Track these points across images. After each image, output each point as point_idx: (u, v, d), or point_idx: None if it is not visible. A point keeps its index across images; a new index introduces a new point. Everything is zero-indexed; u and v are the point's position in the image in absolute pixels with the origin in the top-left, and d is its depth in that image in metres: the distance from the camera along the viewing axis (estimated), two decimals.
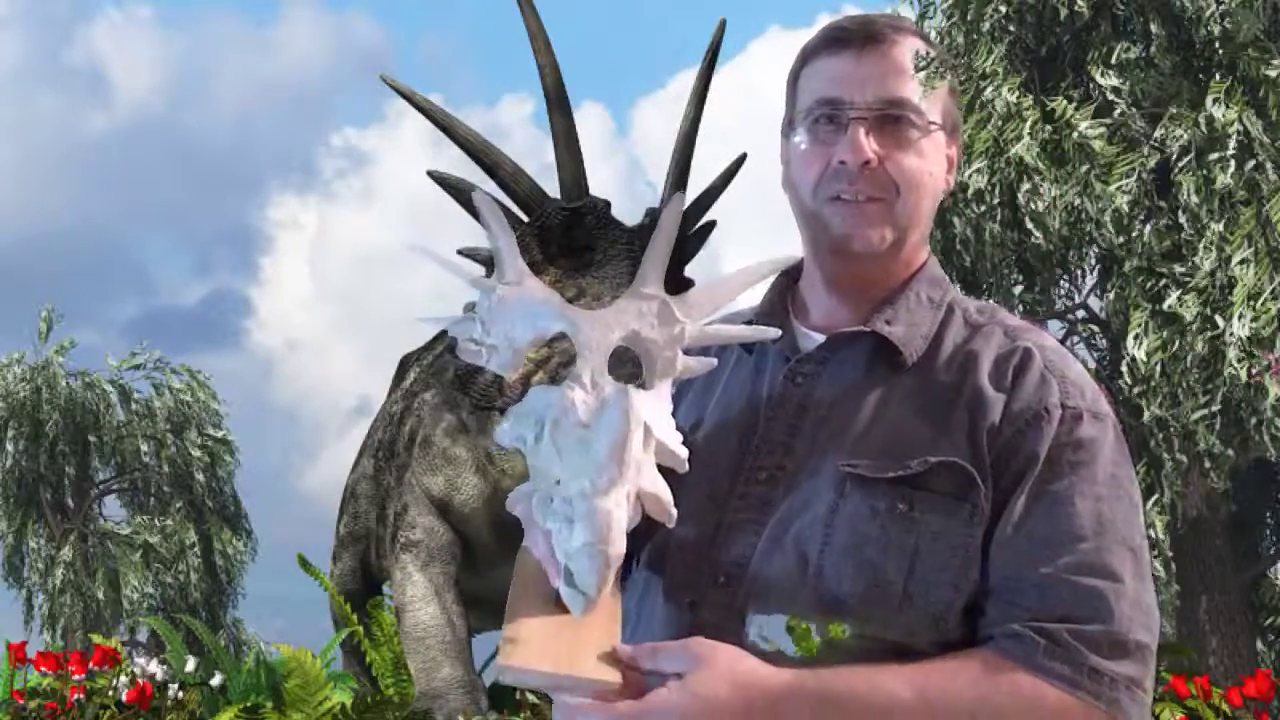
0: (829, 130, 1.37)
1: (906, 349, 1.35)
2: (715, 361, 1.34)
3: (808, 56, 1.43)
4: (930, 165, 1.39)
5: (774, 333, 1.35)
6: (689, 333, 1.25)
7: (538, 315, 1.23)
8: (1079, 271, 11.67)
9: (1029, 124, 10.18)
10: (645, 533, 1.30)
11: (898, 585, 1.26)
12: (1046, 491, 1.27)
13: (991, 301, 1.43)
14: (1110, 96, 10.37)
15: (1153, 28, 10.20)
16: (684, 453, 1.25)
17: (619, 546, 1.13)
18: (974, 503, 1.27)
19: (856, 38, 1.39)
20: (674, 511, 1.23)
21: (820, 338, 1.40)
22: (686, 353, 1.27)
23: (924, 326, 1.38)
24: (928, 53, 1.41)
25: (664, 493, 1.21)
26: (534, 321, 1.23)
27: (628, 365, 1.26)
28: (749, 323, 1.43)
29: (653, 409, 1.21)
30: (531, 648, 1.14)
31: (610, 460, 1.12)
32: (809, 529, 1.28)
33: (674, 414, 1.40)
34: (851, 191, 1.35)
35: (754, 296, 1.42)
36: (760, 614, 1.27)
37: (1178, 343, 9.68)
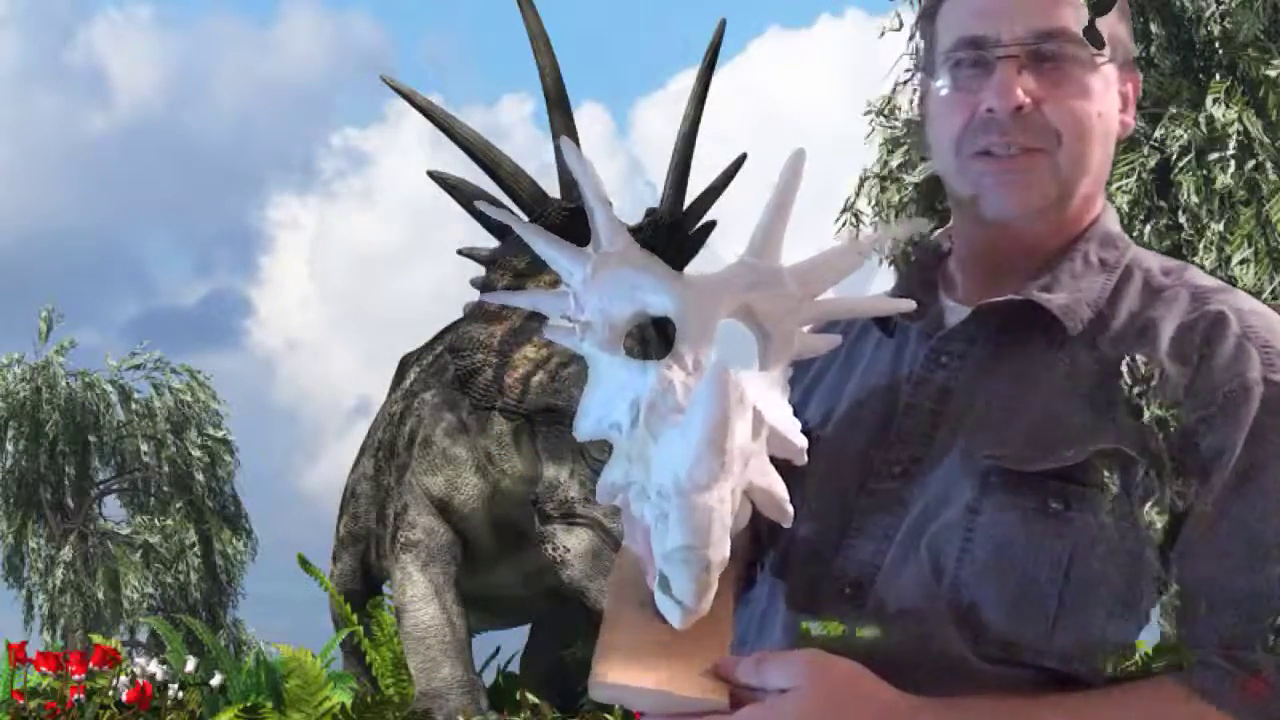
0: (974, 73, 1.17)
1: (1068, 320, 1.14)
2: (839, 339, 1.15)
3: None
4: (1099, 105, 1.18)
5: (907, 304, 1.17)
6: (807, 306, 1.09)
7: (637, 286, 1.07)
8: None
9: None
10: (772, 534, 1.16)
11: (1051, 599, 1.05)
12: (1248, 485, 1.05)
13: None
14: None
15: (1153, 28, 10.19)
16: (802, 442, 1.09)
17: (721, 550, 0.97)
18: (1146, 500, 1.06)
19: None
20: (789, 509, 1.06)
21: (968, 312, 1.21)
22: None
23: (1092, 293, 1.16)
24: None
25: (777, 488, 1.05)
26: (633, 294, 1.07)
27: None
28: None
29: (765, 392, 1.06)
30: (630, 662, 1.02)
31: (708, 449, 0.95)
32: (945, 532, 1.09)
33: (807, 404, 1.26)
34: (1003, 143, 1.16)
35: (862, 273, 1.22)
36: (884, 630, 1.09)
37: None
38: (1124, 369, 1.11)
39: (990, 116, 1.16)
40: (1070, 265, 1.18)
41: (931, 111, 1.24)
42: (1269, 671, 1.00)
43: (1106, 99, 1.19)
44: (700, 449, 0.96)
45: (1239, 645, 1.02)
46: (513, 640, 7.11)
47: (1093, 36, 1.15)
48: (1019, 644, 1.06)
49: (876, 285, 1.41)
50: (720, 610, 1.03)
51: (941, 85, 1.21)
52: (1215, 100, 9.69)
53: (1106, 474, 1.07)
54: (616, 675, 1.01)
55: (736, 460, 0.98)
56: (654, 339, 1.10)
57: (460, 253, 5.99)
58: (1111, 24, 1.18)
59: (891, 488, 1.15)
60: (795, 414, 1.24)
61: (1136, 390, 1.10)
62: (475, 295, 6.02)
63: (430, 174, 5.74)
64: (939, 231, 1.32)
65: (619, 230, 1.10)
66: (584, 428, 1.08)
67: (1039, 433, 1.10)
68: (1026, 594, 1.06)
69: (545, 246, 1.13)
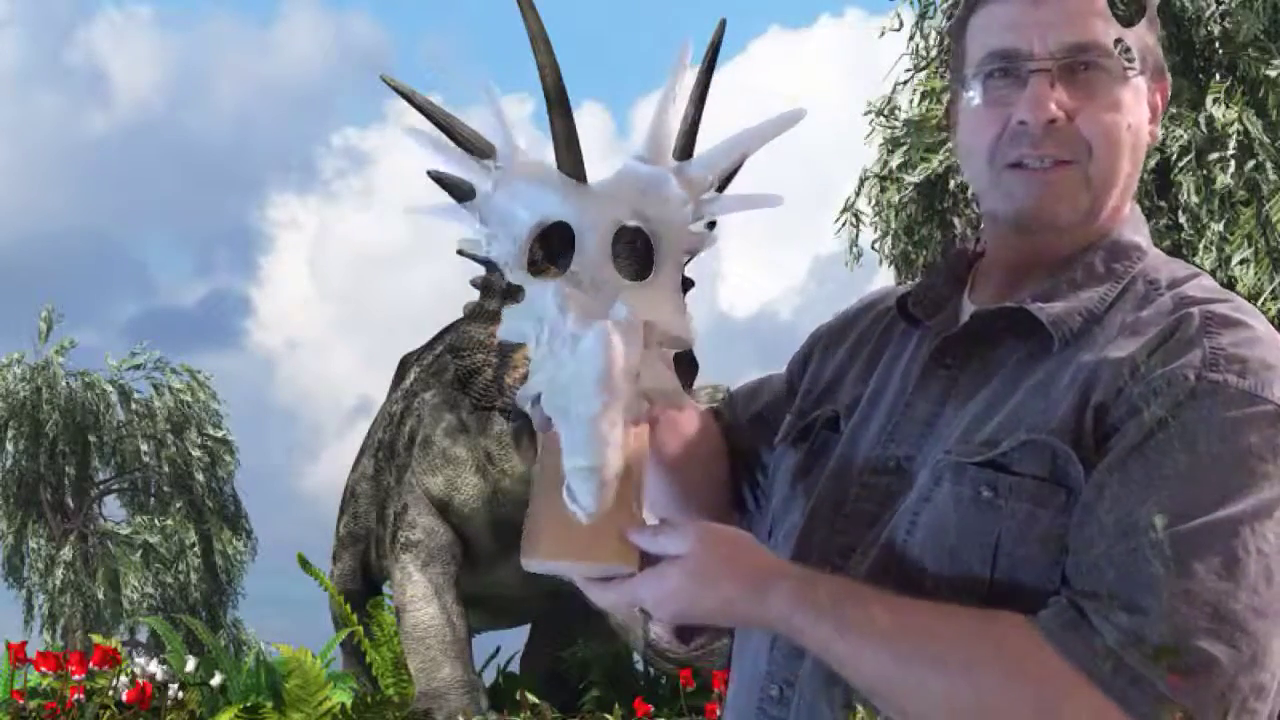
0: (1006, 85, 1.19)
1: (1056, 329, 1.16)
2: (717, 237, 1.19)
3: (975, 2, 1.25)
4: (1129, 117, 1.19)
5: (777, 199, 1.18)
6: (694, 205, 1.15)
7: (536, 198, 1.15)
8: None
9: None
10: (775, 518, 1.29)
11: (983, 580, 1.10)
12: (1136, 462, 1.07)
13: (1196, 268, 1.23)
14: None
15: None
16: (691, 333, 1.16)
17: (614, 466, 1.09)
18: (1070, 487, 1.09)
19: None
20: (682, 400, 1.16)
21: None
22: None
23: (1090, 302, 1.17)
24: None
25: (667, 384, 1.15)
26: (533, 205, 1.15)
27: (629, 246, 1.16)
28: (907, 295, 1.30)
29: (653, 299, 1.14)
30: (554, 538, 1.15)
31: (598, 388, 1.07)
32: (900, 521, 1.16)
33: (840, 385, 1.33)
34: (1036, 156, 1.18)
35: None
36: None
37: None
38: (1086, 368, 1.13)
39: (1023, 129, 1.18)
40: (1071, 275, 1.20)
41: (962, 122, 1.26)
42: (1087, 612, 1.03)
43: (1137, 111, 1.21)
44: (591, 390, 1.07)
45: (1091, 598, 1.04)
46: (513, 640, 7.12)
47: (1124, 49, 1.18)
48: None
49: (875, 287, 1.43)
50: (628, 484, 1.15)
51: (972, 96, 1.22)
52: (1215, 100, 9.69)
53: (1032, 462, 1.11)
54: (544, 552, 1.15)
55: (626, 382, 1.09)
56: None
57: (460, 252, 5.99)
58: (1141, 34, 1.21)
59: (885, 481, 1.21)
60: (828, 395, 1.34)
61: (1087, 386, 1.12)
62: (475, 295, 6.02)
63: (430, 174, 5.73)
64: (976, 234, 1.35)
65: (516, 142, 1.16)
66: (502, 332, 1.17)
67: (999, 431, 1.14)
68: (962, 576, 1.11)
69: (446, 161, 1.20)
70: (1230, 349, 1.09)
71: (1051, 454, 1.10)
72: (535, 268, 1.19)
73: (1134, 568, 1.04)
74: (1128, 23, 1.19)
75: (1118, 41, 1.18)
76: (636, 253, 1.17)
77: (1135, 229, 1.25)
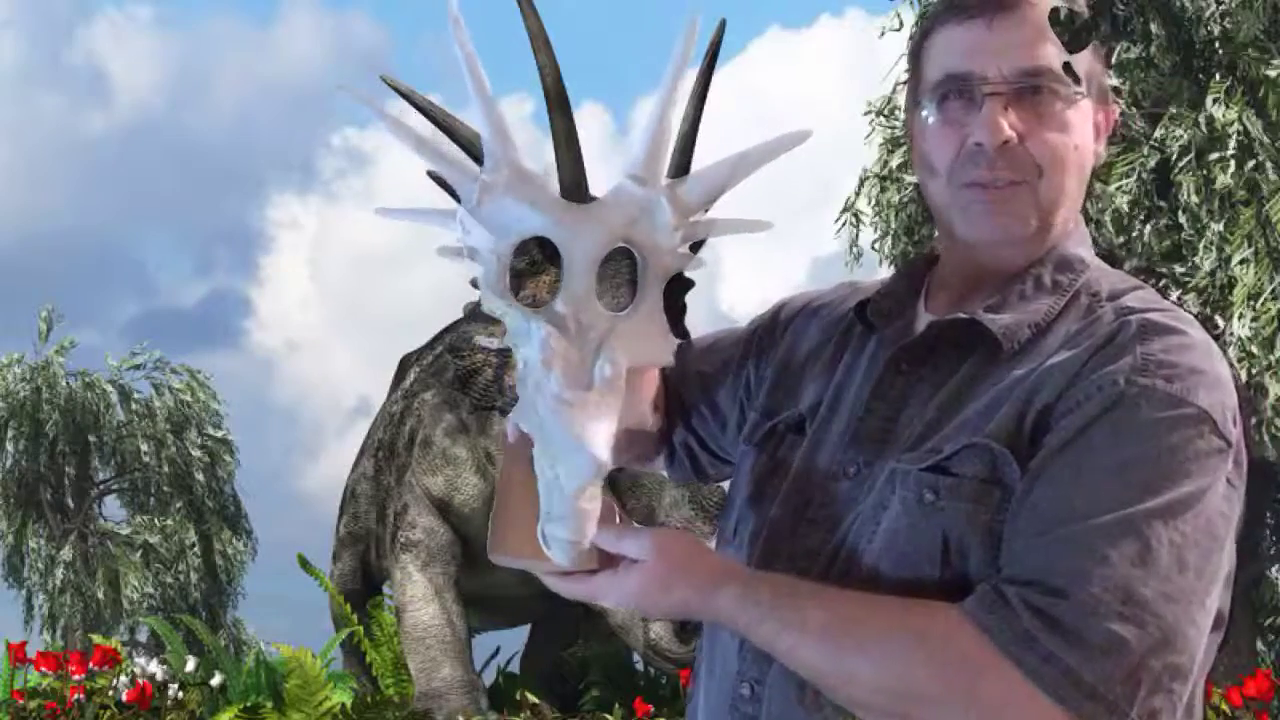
0: (961, 107, 1.25)
1: (1006, 340, 1.22)
2: (704, 260, 1.23)
3: (931, 24, 1.30)
4: (1075, 138, 1.25)
5: (766, 224, 1.23)
6: (685, 229, 1.16)
7: (521, 217, 1.12)
8: None
9: None
10: (742, 516, 1.34)
11: (934, 582, 1.15)
12: (1057, 462, 1.12)
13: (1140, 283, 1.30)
14: (1110, 96, 10.33)
15: (1153, 28, 10.19)
16: (668, 354, 1.20)
17: (590, 535, 1.17)
18: (1008, 485, 1.14)
19: (988, 3, 1.25)
20: (652, 422, 1.25)
21: None
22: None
23: (1037, 314, 1.23)
24: (1068, 11, 1.24)
25: (642, 419, 1.22)
26: (517, 225, 1.12)
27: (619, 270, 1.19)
28: (867, 300, 1.35)
29: (640, 331, 1.16)
30: (518, 535, 1.20)
31: (588, 481, 1.15)
32: (860, 527, 1.22)
33: (801, 385, 1.38)
34: (990, 176, 1.23)
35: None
36: None
37: None
38: (1032, 375, 1.18)
39: (979, 150, 1.23)
40: (1021, 287, 1.26)
41: (918, 140, 1.31)
42: (1009, 596, 1.09)
43: (1083, 131, 1.27)
44: (579, 483, 1.13)
45: (1013, 583, 1.10)
46: (513, 640, 7.12)
47: (1072, 73, 1.24)
48: None
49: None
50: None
51: (927, 115, 1.28)
52: (1215, 100, 9.68)
53: (971, 464, 1.16)
54: (511, 549, 1.21)
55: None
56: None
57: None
58: (1087, 60, 1.26)
59: (844, 487, 1.26)
60: (790, 397, 1.38)
61: (1031, 391, 1.17)
62: (475, 295, 6.02)
63: (430, 174, 5.74)
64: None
65: (509, 150, 1.13)
66: (507, 339, 1.20)
67: (944, 437, 1.19)
68: (917, 579, 1.16)
69: (431, 160, 1.18)
70: (1161, 355, 1.15)
71: (991, 456, 1.16)
72: (536, 268, 1.19)
73: (1054, 555, 1.09)
74: (1075, 49, 1.24)
75: (1066, 66, 1.24)
76: (624, 270, 1.20)
77: (1079, 242, 1.31)
